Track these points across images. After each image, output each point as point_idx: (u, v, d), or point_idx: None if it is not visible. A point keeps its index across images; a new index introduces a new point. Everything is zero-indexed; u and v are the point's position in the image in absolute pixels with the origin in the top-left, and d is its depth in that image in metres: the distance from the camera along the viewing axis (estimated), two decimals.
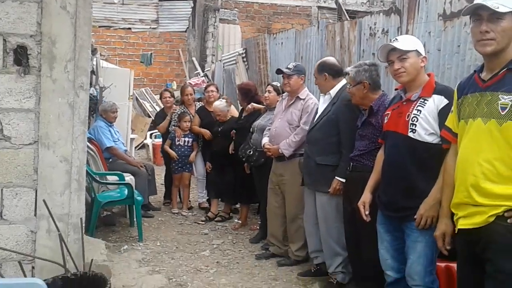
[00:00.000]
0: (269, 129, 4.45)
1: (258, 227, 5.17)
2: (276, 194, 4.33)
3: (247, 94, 5.30)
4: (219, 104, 5.69)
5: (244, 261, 4.39)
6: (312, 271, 3.97)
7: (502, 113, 1.94)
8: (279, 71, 4.30)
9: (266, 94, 4.81)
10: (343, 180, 3.49)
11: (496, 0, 1.97)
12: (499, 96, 1.96)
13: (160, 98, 6.94)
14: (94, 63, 7.33)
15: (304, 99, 4.20)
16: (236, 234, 5.21)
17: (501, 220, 1.94)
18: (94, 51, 6.99)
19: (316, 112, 3.89)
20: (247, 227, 5.38)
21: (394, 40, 2.78)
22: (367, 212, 2.95)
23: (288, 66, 4.26)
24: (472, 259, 2.10)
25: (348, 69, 3.54)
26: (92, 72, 7.18)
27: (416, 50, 2.72)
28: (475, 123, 2.04)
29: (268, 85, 5.11)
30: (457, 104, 2.21)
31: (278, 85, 4.88)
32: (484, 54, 2.06)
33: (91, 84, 6.65)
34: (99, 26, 13.60)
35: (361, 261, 3.30)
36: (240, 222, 5.50)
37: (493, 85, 2.01)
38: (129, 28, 14.24)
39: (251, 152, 4.69)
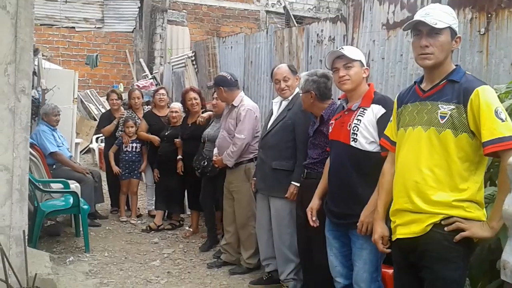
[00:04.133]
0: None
1: (201, 237, 5.16)
2: (229, 200, 4.34)
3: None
4: (179, 106, 5.60)
5: (195, 271, 4.36)
6: (264, 279, 3.99)
7: (442, 122, 2.04)
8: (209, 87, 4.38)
9: (214, 101, 4.71)
10: (298, 185, 3.54)
11: (434, 16, 2.08)
12: (439, 105, 2.06)
13: (107, 100, 6.76)
14: (36, 64, 7.04)
15: (237, 107, 4.22)
16: (187, 243, 5.15)
17: (438, 228, 2.03)
18: (35, 51, 6.71)
19: (270, 118, 3.91)
20: (198, 235, 5.33)
21: (341, 48, 2.86)
22: (314, 218, 3.04)
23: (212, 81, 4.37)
24: (408, 267, 2.18)
25: (301, 74, 3.61)
26: (34, 73, 6.90)
27: (360, 61, 2.82)
28: (416, 131, 2.12)
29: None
30: (397, 113, 2.29)
31: None
32: (424, 67, 2.16)
33: (32, 86, 6.38)
34: (41, 25, 13.07)
35: (312, 268, 3.37)
36: (191, 230, 5.44)
37: (433, 95, 2.11)
38: (73, 27, 13.78)
39: (206, 163, 4.65)
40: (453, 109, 2.02)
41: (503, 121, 1.96)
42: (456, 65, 2.17)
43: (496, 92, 2.80)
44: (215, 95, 4.69)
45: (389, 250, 2.36)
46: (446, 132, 2.02)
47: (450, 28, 2.09)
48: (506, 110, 2.57)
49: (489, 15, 4.36)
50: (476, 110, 1.98)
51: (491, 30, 4.34)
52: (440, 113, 2.05)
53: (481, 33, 4.42)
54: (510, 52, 4.19)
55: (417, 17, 2.13)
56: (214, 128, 4.75)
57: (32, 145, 5.14)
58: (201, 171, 4.71)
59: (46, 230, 5.10)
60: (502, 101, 2.78)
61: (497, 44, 4.31)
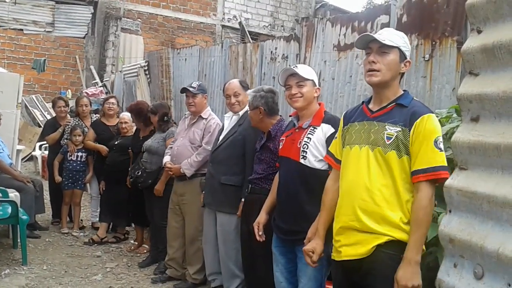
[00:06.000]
0: (171, 147, 4.38)
1: (146, 251, 5.04)
2: (176, 215, 4.26)
3: (140, 114, 5.05)
4: (129, 116, 5.47)
5: (139, 286, 4.23)
6: None
7: (387, 143, 2.09)
8: (184, 90, 4.25)
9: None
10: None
11: (385, 35, 2.16)
12: (386, 126, 2.11)
13: (53, 107, 6.50)
14: None
15: (206, 119, 4.20)
16: (132, 257, 5.00)
17: (383, 247, 2.07)
18: None
19: (221, 132, 3.91)
20: (143, 249, 5.18)
21: (294, 67, 2.91)
22: (260, 233, 3.05)
23: (192, 85, 4.23)
24: (350, 286, 2.21)
25: (248, 92, 3.63)
26: None
27: (313, 80, 2.88)
28: (363, 150, 2.16)
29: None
30: (343, 131, 2.34)
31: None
32: (370, 84, 2.22)
33: None
34: None
35: (257, 283, 3.36)
36: (136, 243, 5.31)
37: (381, 116, 2.17)
38: (21, 30, 13.27)
39: (139, 173, 4.61)
40: (399, 131, 2.08)
41: (441, 150, 2.04)
42: (404, 90, 2.24)
43: (438, 116, 2.95)
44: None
45: (317, 265, 2.41)
46: (391, 153, 2.08)
47: (399, 49, 2.15)
48: (446, 134, 2.71)
49: (434, 43, 4.59)
50: (417, 135, 2.05)
51: (435, 56, 4.57)
52: (387, 134, 2.10)
53: (425, 59, 4.64)
54: (452, 79, 4.41)
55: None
56: (154, 139, 4.71)
57: None
58: (133, 181, 4.68)
59: None
60: (443, 125, 2.92)
61: (440, 70, 4.53)
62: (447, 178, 1.44)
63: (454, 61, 4.42)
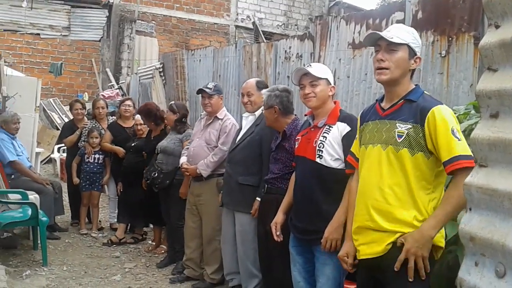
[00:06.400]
0: (188, 148, 4.41)
1: (164, 251, 5.08)
2: (193, 215, 4.29)
3: (149, 114, 5.14)
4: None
5: (157, 286, 4.27)
6: None
7: (399, 141, 2.07)
8: (200, 91, 4.28)
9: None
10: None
11: (393, 33, 2.13)
12: (397, 124, 2.10)
13: (70, 109, 6.58)
14: None
15: (222, 119, 4.22)
16: (150, 257, 5.05)
17: (398, 245, 2.06)
18: None
19: (238, 132, 3.92)
20: (161, 249, 5.21)
21: (308, 66, 2.90)
22: (278, 233, 3.04)
23: (208, 86, 4.26)
24: (373, 284, 2.21)
25: (263, 91, 3.63)
26: None
27: (327, 79, 2.86)
28: (375, 149, 2.15)
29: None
30: (359, 131, 2.33)
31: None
32: (380, 82, 2.21)
33: None
34: (4, 30, 12.73)
35: (274, 283, 3.36)
36: (154, 244, 5.35)
37: (391, 114, 2.15)
38: (38, 34, 13.48)
39: (156, 174, 4.64)
40: (410, 128, 2.06)
41: (459, 140, 2.01)
42: (416, 85, 2.21)
43: (456, 113, 2.91)
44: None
45: (353, 269, 2.38)
46: (403, 151, 2.06)
47: (408, 46, 2.13)
48: (465, 130, 2.68)
49: (450, 39, 4.54)
50: (432, 129, 2.03)
51: (452, 53, 4.52)
52: (398, 132, 2.08)
53: (442, 55, 4.59)
54: (469, 75, 4.35)
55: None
56: (169, 140, 4.74)
57: None
58: (150, 183, 4.71)
59: (2, 243, 4.92)
60: (461, 122, 2.88)
61: (457, 67, 4.48)
62: (472, 167, 1.42)
63: (472, 57, 4.36)
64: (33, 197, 5.02)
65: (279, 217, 3.07)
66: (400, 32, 2.14)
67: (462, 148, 2.00)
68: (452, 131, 2.01)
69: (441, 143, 2.01)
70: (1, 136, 5.45)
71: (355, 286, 2.46)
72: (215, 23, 14.74)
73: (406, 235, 2.03)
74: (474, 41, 4.30)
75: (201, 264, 4.33)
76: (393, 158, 2.08)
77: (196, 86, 7.72)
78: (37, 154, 8.22)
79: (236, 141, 3.85)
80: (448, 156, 1.99)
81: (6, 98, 6.78)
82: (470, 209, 1.36)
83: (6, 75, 7.52)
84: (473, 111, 3.07)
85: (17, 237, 5.23)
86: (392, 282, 2.09)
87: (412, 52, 2.15)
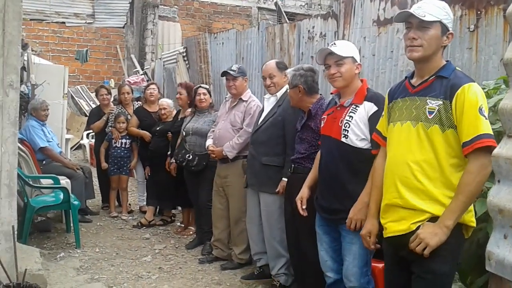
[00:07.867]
0: (213, 130, 4.44)
1: (192, 233, 5.16)
2: (220, 196, 4.33)
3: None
4: (167, 101, 5.69)
5: (187, 266, 4.35)
6: (255, 273, 4.00)
7: (430, 117, 2.05)
8: (224, 73, 4.28)
9: (202, 97, 4.79)
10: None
11: (425, 9, 2.08)
12: (427, 101, 2.07)
13: (96, 96, 6.67)
14: (25, 58, 6.98)
15: (247, 101, 4.23)
16: (179, 238, 5.14)
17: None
18: (25, 46, 6.65)
19: (261, 114, 3.92)
20: (190, 231, 5.30)
21: (332, 45, 2.83)
22: (304, 207, 3.03)
23: (232, 68, 4.26)
24: (399, 261, 2.20)
25: (287, 71, 3.61)
26: (23, 68, 6.85)
27: (352, 57, 2.81)
28: (405, 126, 2.13)
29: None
30: (388, 109, 2.30)
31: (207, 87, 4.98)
32: (411, 59, 2.16)
33: (22, 81, 6.33)
34: (31, 19, 12.96)
35: (301, 262, 3.38)
36: (183, 225, 5.44)
37: (422, 90, 2.12)
38: (63, 22, 13.69)
39: (190, 157, 4.66)
40: (441, 104, 2.03)
41: (486, 118, 1.97)
42: (447, 61, 2.16)
43: (485, 88, 2.83)
44: (202, 91, 4.84)
45: (375, 247, 2.38)
46: (434, 128, 2.03)
47: (440, 22, 2.08)
48: (495, 105, 2.61)
49: (479, 12, 4.39)
50: (460, 106, 1.99)
51: (481, 27, 4.37)
52: (428, 108, 2.05)
53: (470, 30, 4.45)
54: (499, 49, 4.22)
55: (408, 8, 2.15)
56: (198, 122, 4.77)
57: (21, 141, 5.11)
58: (186, 165, 4.72)
59: (36, 226, 5.07)
60: (490, 96, 2.81)
61: (486, 41, 4.34)
62: (494, 147, 1.39)
63: (501, 31, 4.21)
64: (65, 181, 5.15)
65: (304, 192, 3.05)
66: (431, 8, 2.08)
67: (487, 127, 1.96)
68: (480, 109, 1.97)
69: (467, 121, 1.97)
70: (32, 123, 5.59)
71: (383, 264, 2.46)
72: (237, 6, 14.65)
73: (425, 224, 2.02)
74: (504, 14, 4.15)
75: (229, 245, 4.40)
76: (423, 135, 2.06)
77: (219, 70, 7.71)
78: (67, 140, 8.43)
79: (259, 123, 3.86)
80: (473, 133, 1.95)
81: (35, 86, 6.94)
82: (499, 181, 1.34)
83: (34, 63, 7.70)
84: (503, 86, 2.99)
85: (51, 221, 5.38)
86: (421, 260, 2.07)
87: (444, 28, 2.10)
